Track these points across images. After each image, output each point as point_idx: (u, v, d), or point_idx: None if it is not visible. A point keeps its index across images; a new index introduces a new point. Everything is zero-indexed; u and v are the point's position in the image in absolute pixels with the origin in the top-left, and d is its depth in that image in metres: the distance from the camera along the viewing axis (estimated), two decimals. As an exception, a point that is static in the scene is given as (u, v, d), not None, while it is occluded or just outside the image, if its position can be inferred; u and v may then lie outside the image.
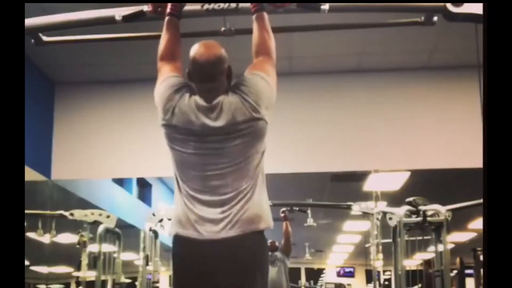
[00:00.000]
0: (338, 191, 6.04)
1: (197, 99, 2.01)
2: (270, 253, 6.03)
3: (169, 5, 2.19)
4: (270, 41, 2.14)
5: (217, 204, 1.98)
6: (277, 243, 6.15)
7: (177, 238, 2.02)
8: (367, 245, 5.74)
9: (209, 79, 2.00)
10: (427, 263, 5.08)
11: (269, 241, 6.00)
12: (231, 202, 1.97)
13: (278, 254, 6.13)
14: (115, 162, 5.05)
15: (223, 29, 2.49)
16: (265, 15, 2.17)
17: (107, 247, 4.72)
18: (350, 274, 10.36)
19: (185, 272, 2.01)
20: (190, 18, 2.28)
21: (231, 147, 1.98)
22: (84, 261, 4.58)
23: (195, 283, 1.98)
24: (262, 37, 2.13)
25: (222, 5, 2.26)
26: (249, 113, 1.98)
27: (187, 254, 2.00)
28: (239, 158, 1.99)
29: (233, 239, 1.94)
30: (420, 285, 5.26)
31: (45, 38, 2.63)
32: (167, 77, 2.09)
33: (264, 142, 2.05)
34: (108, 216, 4.66)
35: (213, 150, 1.99)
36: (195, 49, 2.01)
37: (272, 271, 5.98)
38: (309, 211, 6.32)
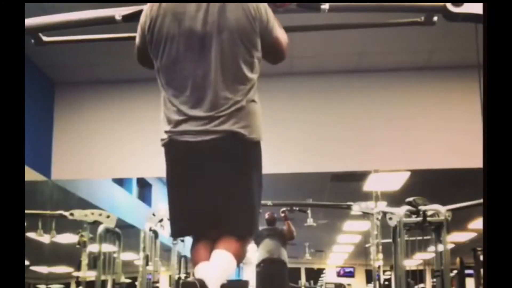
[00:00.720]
0: (338, 191, 6.04)
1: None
2: (269, 226, 6.06)
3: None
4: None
5: (205, 110, 1.90)
6: (275, 216, 6.13)
7: (169, 142, 1.96)
8: (367, 245, 5.75)
9: None
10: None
11: (268, 213, 6.07)
12: (224, 105, 1.89)
13: (277, 228, 6.12)
14: (115, 162, 5.05)
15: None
16: None
17: (107, 247, 4.72)
18: (350, 274, 10.38)
19: (177, 172, 1.98)
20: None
21: (220, 41, 1.89)
22: (84, 261, 4.58)
23: (188, 182, 1.95)
24: None
25: (222, 5, 2.25)
26: (249, 21, 1.90)
27: (177, 156, 1.96)
28: (228, 56, 1.90)
29: (224, 137, 1.88)
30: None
31: (45, 38, 2.63)
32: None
33: (259, 50, 1.97)
34: (108, 216, 4.66)
35: (199, 48, 1.90)
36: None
37: (271, 243, 5.98)
38: (309, 211, 6.33)
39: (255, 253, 6.13)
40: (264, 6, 1.97)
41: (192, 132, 1.91)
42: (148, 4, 2.03)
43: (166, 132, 1.97)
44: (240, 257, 1.92)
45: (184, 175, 1.96)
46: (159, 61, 1.97)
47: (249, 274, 7.08)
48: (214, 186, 1.92)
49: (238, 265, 1.95)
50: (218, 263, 1.86)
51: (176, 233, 2.13)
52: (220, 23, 1.90)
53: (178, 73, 1.94)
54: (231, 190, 1.92)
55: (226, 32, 1.90)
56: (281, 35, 2.07)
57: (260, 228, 5.67)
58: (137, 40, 2.07)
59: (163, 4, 1.97)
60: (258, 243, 6.03)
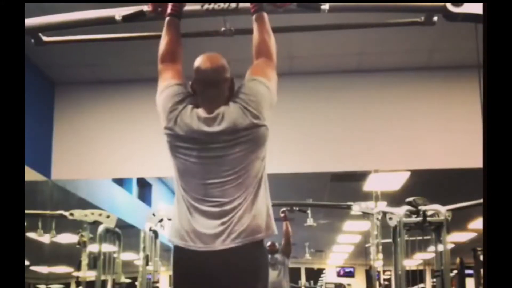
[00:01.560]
0: (338, 191, 6.04)
1: (199, 111, 2.03)
2: (270, 256, 6.02)
3: (169, 5, 2.19)
4: (270, 41, 2.14)
5: (217, 215, 1.98)
6: (277, 245, 6.14)
7: (177, 249, 2.03)
8: (367, 245, 5.74)
9: (212, 84, 2.02)
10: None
11: (269, 243, 6.05)
12: (231, 212, 1.97)
13: (278, 256, 6.12)
14: (115, 162, 5.05)
15: (223, 29, 2.49)
16: (265, 15, 2.17)
17: (107, 247, 4.72)
18: (350, 274, 10.37)
19: (185, 283, 2.01)
20: (190, 18, 2.28)
21: (232, 154, 1.99)
22: (84, 261, 4.58)
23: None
24: (262, 38, 2.13)
25: (222, 5, 2.26)
26: (250, 120, 1.99)
27: (187, 265, 2.01)
28: (240, 165, 1.99)
29: (232, 249, 1.94)
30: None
31: (45, 38, 2.63)
32: (169, 84, 2.10)
33: (265, 149, 2.06)
34: (108, 216, 4.66)
35: (214, 158, 2.00)
36: (200, 59, 2.05)
37: (273, 274, 5.97)
38: (309, 211, 6.32)
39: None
40: (256, 89, 2.05)
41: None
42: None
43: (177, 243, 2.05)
44: None
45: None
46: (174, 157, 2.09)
47: None
48: None
49: None
50: None
51: None
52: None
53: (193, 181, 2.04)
54: None
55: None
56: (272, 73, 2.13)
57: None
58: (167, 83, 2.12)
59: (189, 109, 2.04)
60: None
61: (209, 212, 1.99)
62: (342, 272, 10.49)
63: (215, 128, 1.99)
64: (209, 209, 1.99)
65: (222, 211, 1.98)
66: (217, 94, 2.03)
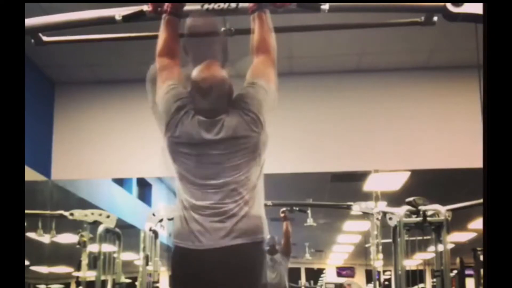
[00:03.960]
0: (338, 191, 6.03)
1: (200, 118, 2.03)
2: (269, 256, 6.02)
3: (169, 5, 2.19)
4: (269, 38, 2.13)
5: (216, 215, 1.98)
6: (277, 246, 6.13)
7: (177, 248, 2.03)
8: (367, 245, 5.74)
9: (211, 101, 2.02)
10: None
11: (269, 244, 6.03)
12: (231, 213, 1.97)
13: (278, 257, 6.11)
14: (115, 162, 5.04)
15: (223, 29, 2.49)
16: (264, 14, 2.15)
17: (107, 247, 4.72)
18: (350, 274, 10.36)
19: (184, 282, 2.01)
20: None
21: (232, 161, 1.99)
22: (84, 261, 4.59)
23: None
24: (260, 35, 2.13)
25: (222, 5, 2.26)
26: (250, 128, 2.00)
27: (186, 264, 2.01)
28: (240, 171, 2.00)
29: (232, 248, 1.95)
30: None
31: (45, 38, 2.63)
32: (169, 86, 2.10)
33: (264, 155, 2.06)
34: (108, 216, 4.66)
35: (214, 164, 2.00)
36: (197, 73, 2.04)
37: (272, 275, 5.96)
38: (309, 211, 6.31)
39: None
40: (257, 98, 2.05)
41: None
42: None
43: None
44: None
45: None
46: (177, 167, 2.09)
47: None
48: None
49: None
50: None
51: None
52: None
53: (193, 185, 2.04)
54: None
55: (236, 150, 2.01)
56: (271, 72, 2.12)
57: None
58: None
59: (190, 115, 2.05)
60: None
61: (209, 213, 1.99)
62: (342, 272, 10.48)
63: (215, 136, 2.00)
64: (209, 211, 1.99)
65: (222, 212, 1.98)
66: (217, 107, 2.03)
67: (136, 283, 5.00)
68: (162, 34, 2.17)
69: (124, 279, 5.14)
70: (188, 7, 2.26)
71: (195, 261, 1.98)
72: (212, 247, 1.95)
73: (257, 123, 2.01)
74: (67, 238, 5.14)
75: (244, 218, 1.97)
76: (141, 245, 4.88)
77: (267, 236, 2.04)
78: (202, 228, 1.98)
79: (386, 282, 5.35)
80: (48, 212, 4.98)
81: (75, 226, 4.69)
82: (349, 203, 5.41)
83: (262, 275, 2.05)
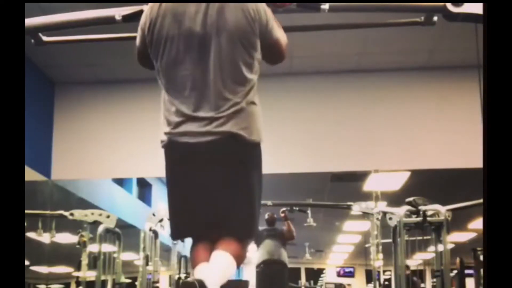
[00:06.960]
0: (338, 191, 6.04)
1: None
2: (269, 227, 6.05)
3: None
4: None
5: (204, 111, 1.90)
6: (275, 216, 6.12)
7: (169, 143, 1.96)
8: (367, 245, 5.75)
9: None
10: (413, 271, 5.09)
11: (268, 213, 6.06)
12: (223, 107, 1.89)
13: (277, 228, 6.12)
14: (115, 162, 5.05)
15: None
16: None
17: (107, 247, 4.72)
18: (350, 274, 10.37)
19: (177, 173, 1.98)
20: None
21: (219, 42, 1.89)
22: (84, 261, 4.59)
23: (187, 183, 1.95)
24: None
25: (222, 5, 2.25)
26: (242, 15, 1.90)
27: (178, 158, 1.96)
28: (227, 57, 1.90)
29: (224, 137, 1.88)
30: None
31: (45, 38, 2.63)
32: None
33: (258, 51, 1.97)
34: (108, 216, 4.67)
35: (198, 49, 1.90)
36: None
37: (271, 243, 5.97)
38: (309, 211, 6.32)
39: (255, 253, 6.13)
40: (263, 7, 1.97)
41: (191, 134, 1.91)
42: (149, 5, 2.03)
43: (165, 133, 1.96)
44: (240, 258, 1.91)
45: (184, 177, 1.96)
46: (159, 62, 1.98)
47: (249, 274, 7.08)
48: (214, 188, 1.91)
49: (238, 267, 1.94)
50: (218, 264, 1.85)
51: (176, 235, 2.12)
52: (219, 24, 1.90)
53: (177, 74, 1.94)
54: (231, 191, 1.91)
55: (225, 33, 1.90)
56: (281, 36, 2.06)
57: (260, 228, 5.68)
58: (137, 41, 2.07)
59: (163, 5, 1.97)
60: (258, 244, 6.03)
61: (198, 113, 1.91)
62: (342, 272, 10.49)
63: (201, 17, 1.90)
64: (199, 112, 1.90)
65: (212, 106, 1.90)
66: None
67: (136, 283, 5.00)
68: None
69: (124, 279, 5.14)
70: None
71: (187, 154, 1.93)
72: (203, 140, 1.88)
73: (257, 21, 1.91)
74: (67, 238, 5.14)
75: (238, 112, 1.89)
76: (141, 245, 4.88)
77: (261, 139, 1.96)
78: (190, 118, 1.91)
79: (386, 282, 5.35)
80: (48, 212, 4.98)
81: (75, 226, 4.69)
82: (349, 203, 5.42)
83: (259, 170, 1.99)
